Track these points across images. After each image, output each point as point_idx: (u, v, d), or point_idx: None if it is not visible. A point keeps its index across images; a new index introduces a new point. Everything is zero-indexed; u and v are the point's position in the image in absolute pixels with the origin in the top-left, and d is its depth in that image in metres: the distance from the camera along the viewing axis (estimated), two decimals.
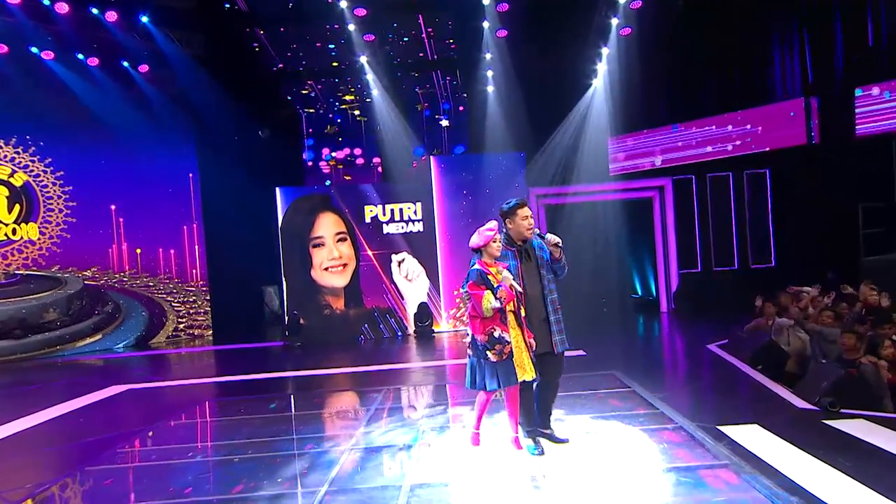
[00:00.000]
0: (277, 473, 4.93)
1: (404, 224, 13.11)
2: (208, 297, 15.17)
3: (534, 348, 4.72)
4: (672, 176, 13.94)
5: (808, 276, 10.43)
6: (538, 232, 4.93)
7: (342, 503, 4.24)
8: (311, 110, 15.87)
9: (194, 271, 15.18)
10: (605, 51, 13.82)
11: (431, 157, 13.46)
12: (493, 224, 4.80)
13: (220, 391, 9.16)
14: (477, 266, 4.70)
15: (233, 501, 4.46)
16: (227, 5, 13.52)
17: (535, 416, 5.00)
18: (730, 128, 13.46)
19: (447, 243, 13.12)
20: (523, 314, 4.69)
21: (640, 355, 9.21)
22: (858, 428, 5.21)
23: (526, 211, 4.85)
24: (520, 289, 4.66)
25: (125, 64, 14.34)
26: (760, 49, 13.52)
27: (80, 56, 13.90)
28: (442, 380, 9.00)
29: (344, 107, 15.56)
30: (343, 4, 12.48)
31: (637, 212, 14.31)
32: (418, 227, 13.15)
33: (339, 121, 16.24)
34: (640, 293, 15.45)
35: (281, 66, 15.12)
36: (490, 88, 14.79)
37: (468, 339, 4.82)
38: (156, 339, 14.72)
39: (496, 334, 4.63)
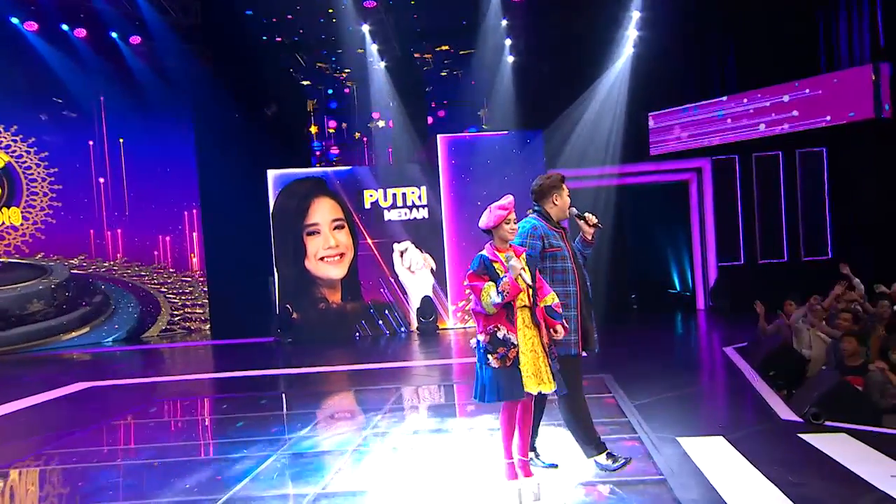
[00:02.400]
0: (191, 479, 5.19)
1: (407, 210, 13.32)
2: (206, 289, 15.70)
3: (555, 355, 4.31)
4: (711, 156, 13.72)
5: (871, 270, 10.22)
6: (577, 212, 4.74)
7: None
8: (308, 82, 16.11)
9: (191, 260, 15.75)
10: (635, 14, 13.67)
11: (438, 137, 13.58)
12: (507, 200, 4.34)
13: (184, 390, 9.51)
14: (485, 251, 4.29)
15: None
16: None
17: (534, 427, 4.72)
18: (786, 98, 13.15)
19: (455, 232, 13.26)
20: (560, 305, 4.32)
21: (643, 358, 9.18)
22: (835, 444, 5.15)
23: (566, 188, 4.69)
24: (529, 281, 4.17)
25: (114, 35, 14.91)
26: (820, 8, 13.17)
27: (65, 27, 14.55)
28: (435, 381, 9.21)
29: (348, 83, 15.78)
30: None
31: (672, 197, 14.15)
32: (423, 213, 13.34)
33: (330, 93, 16.46)
34: (678, 288, 15.30)
35: (279, 39, 15.40)
36: (510, 59, 14.85)
37: (474, 340, 4.35)
38: (148, 332, 15.35)
39: (500, 335, 4.17)
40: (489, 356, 4.15)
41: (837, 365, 6.46)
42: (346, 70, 15.68)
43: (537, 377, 4.17)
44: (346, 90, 16.43)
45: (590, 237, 4.73)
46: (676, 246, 15.00)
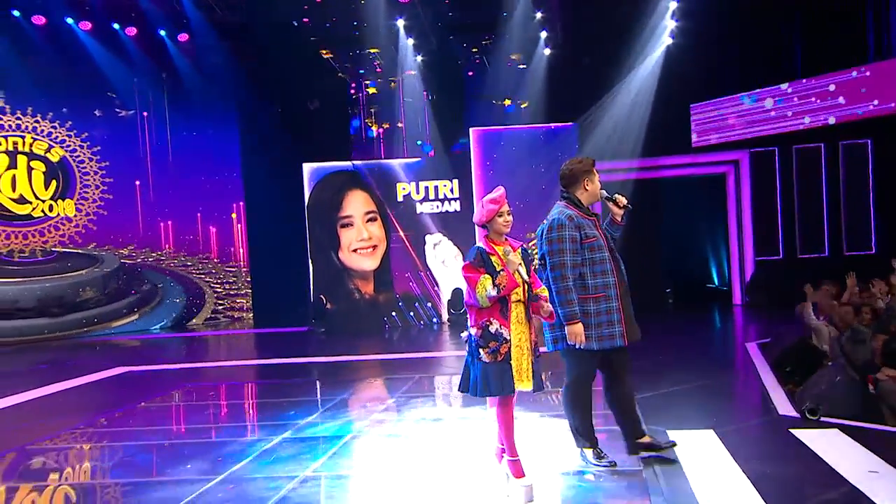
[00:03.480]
0: (194, 460, 5.47)
1: (439, 203, 13.47)
2: (249, 279, 16.22)
3: (539, 354, 4.33)
4: (750, 148, 13.48)
5: None
6: (606, 195, 4.67)
7: (221, 492, 4.69)
8: (344, 76, 16.33)
9: (235, 251, 16.27)
10: (671, 4, 13.51)
11: (471, 130, 13.68)
12: (498, 192, 4.31)
13: (214, 376, 9.89)
14: (481, 243, 4.28)
15: (126, 485, 5.06)
16: None
17: (624, 425, 4.80)
18: (832, 87, 12.86)
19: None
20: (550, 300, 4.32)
21: (661, 352, 9.15)
22: (823, 439, 5.11)
23: (597, 173, 4.65)
24: (526, 277, 4.20)
25: (162, 33, 15.46)
26: None
27: (117, 26, 15.16)
28: (453, 371, 9.33)
29: (392, 80, 15.96)
30: None
31: (709, 190, 13.97)
32: (455, 206, 13.48)
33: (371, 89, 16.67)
34: (716, 283, 15.09)
35: (315, 38, 15.66)
36: (547, 51, 14.85)
37: (465, 333, 4.35)
38: (193, 320, 15.93)
39: (492, 329, 4.12)
40: (481, 350, 4.12)
41: (864, 364, 6.34)
42: (375, 62, 15.77)
43: (518, 374, 4.15)
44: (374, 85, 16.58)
45: (619, 219, 4.66)
46: (714, 240, 14.82)
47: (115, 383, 9.38)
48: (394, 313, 13.46)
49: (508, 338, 4.10)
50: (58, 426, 6.85)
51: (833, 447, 4.94)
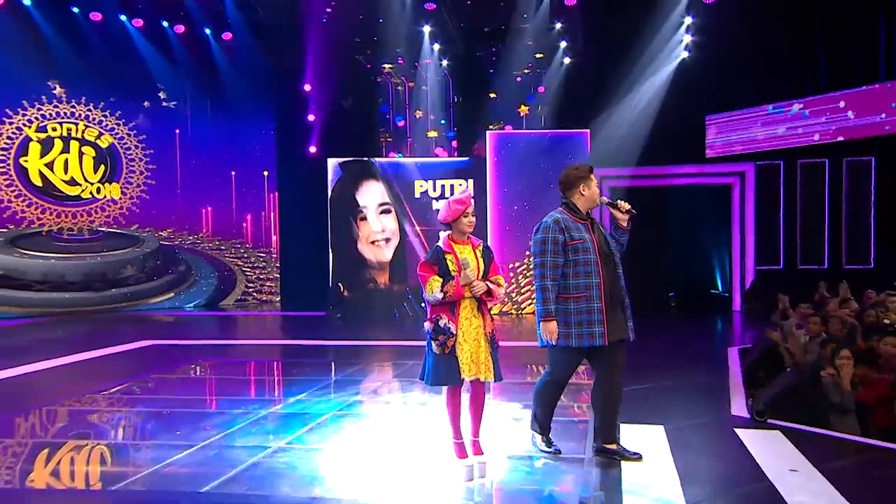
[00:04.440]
0: (185, 427, 5.78)
1: None
2: (278, 265, 16.65)
3: (497, 344, 4.45)
4: (756, 161, 13.42)
5: None
6: (608, 200, 4.71)
7: (200, 456, 4.98)
8: (375, 77, 16.54)
9: (268, 238, 16.72)
10: (687, 20, 13.49)
11: (487, 133, 13.83)
12: (465, 195, 4.49)
13: (231, 352, 10.27)
14: (440, 243, 4.41)
15: (117, 446, 5.41)
16: None
17: (599, 425, 4.75)
18: (841, 104, 12.76)
19: (498, 223, 13.53)
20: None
21: (646, 353, 9.22)
22: (760, 439, 5.21)
23: (594, 178, 4.64)
24: (479, 291, 4.27)
25: (207, 32, 15.93)
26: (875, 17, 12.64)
27: (166, 24, 15.67)
28: None
29: (395, 81, 16.14)
30: None
31: (715, 200, 13.93)
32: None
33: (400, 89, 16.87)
34: (720, 289, 15.03)
35: (357, 40, 15.90)
36: (567, 60, 14.93)
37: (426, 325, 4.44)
38: (225, 301, 16.41)
39: (441, 323, 4.28)
40: (432, 342, 4.28)
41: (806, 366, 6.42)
42: (392, 65, 15.96)
43: (476, 364, 4.30)
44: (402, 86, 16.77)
45: (624, 224, 4.61)
46: (718, 248, 14.76)
47: (140, 354, 9.82)
48: (405, 304, 13.70)
49: (454, 332, 4.25)
50: (74, 391, 7.26)
51: (767, 446, 5.04)
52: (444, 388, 4.48)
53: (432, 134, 16.01)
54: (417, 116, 15.92)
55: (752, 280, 13.47)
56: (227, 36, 16.10)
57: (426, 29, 14.68)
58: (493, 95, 15.37)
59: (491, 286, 4.40)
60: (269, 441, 5.29)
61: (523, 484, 4.46)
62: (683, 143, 13.85)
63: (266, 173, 16.56)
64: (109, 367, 8.93)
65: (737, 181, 13.71)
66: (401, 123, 16.18)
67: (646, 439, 5.19)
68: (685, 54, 14.10)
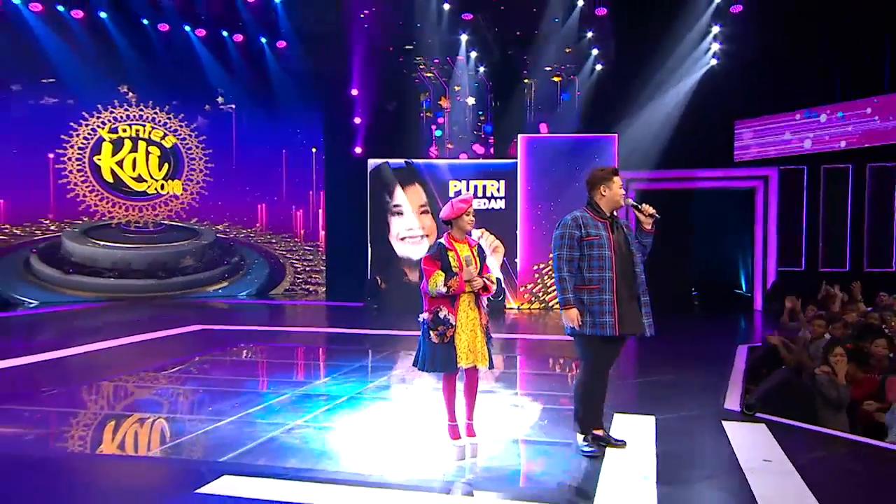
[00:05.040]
0: (214, 404, 6.11)
1: (486, 201, 13.80)
2: (325, 258, 17.03)
3: (490, 335, 4.61)
4: (779, 165, 13.21)
5: None
6: (632, 202, 4.69)
7: (225, 431, 5.28)
8: (418, 81, 16.70)
9: (316, 233, 17.12)
10: (714, 29, 13.35)
11: (520, 136, 13.92)
12: (468, 195, 4.97)
13: (271, 338, 10.58)
14: (443, 239, 4.54)
15: (152, 418, 5.74)
16: None
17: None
18: (868, 110, 12.52)
19: (528, 222, 13.63)
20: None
21: (658, 348, 9.22)
22: (744, 432, 5.24)
23: (619, 179, 4.66)
24: (477, 286, 4.47)
25: (263, 41, 16.39)
26: None
27: (225, 33, 16.18)
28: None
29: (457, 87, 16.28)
30: None
31: (739, 202, 13.76)
32: (501, 203, 13.79)
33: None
34: (744, 289, 14.82)
35: (394, 48, 16.12)
36: (598, 67, 14.91)
37: (420, 316, 4.60)
38: (274, 290, 16.87)
39: (441, 315, 4.42)
40: (431, 332, 4.42)
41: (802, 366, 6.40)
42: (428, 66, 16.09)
43: (473, 353, 4.47)
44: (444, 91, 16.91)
45: (648, 226, 4.64)
46: (743, 249, 14.57)
47: (190, 337, 10.26)
48: None
49: (454, 323, 4.40)
50: (127, 368, 7.70)
51: (748, 438, 5.09)
52: (441, 375, 4.65)
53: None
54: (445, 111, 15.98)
55: (773, 281, 13.27)
56: (282, 44, 16.52)
57: (463, 38, 14.80)
58: (527, 81, 15.26)
59: (487, 282, 4.57)
60: (288, 419, 5.56)
61: (511, 464, 4.62)
62: (710, 147, 13.71)
63: (313, 173, 16.91)
64: (162, 349, 9.39)
65: (761, 185, 13.51)
66: (441, 120, 16.26)
67: (635, 428, 5.30)
68: (713, 62, 13.92)
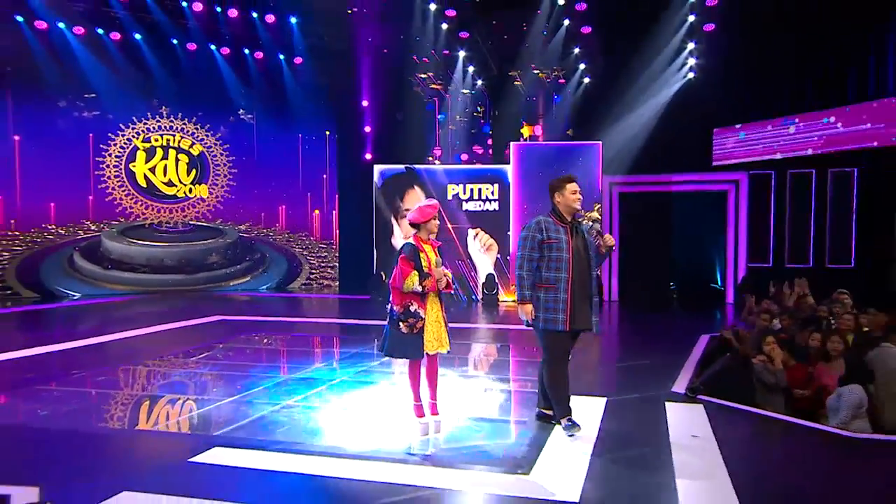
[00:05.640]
0: (221, 386, 6.39)
1: (481, 202, 14.01)
2: (338, 255, 17.32)
3: (446, 323, 4.76)
4: (749, 171, 13.30)
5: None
6: (598, 228, 4.79)
7: (226, 409, 5.56)
8: (421, 93, 16.88)
9: (330, 232, 17.40)
10: (689, 45, 13.45)
11: (512, 144, 14.11)
12: (433, 202, 4.89)
13: (281, 327, 10.84)
14: (411, 240, 4.74)
15: (162, 398, 6.04)
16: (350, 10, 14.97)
17: (543, 395, 4.98)
18: (834, 121, 12.54)
19: (519, 222, 13.81)
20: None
21: (626, 335, 9.42)
22: (681, 411, 5.42)
23: (574, 186, 4.71)
24: (451, 290, 4.74)
25: (281, 57, 16.67)
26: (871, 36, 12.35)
27: (247, 51, 16.49)
28: (468, 340, 9.82)
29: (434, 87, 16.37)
30: (432, 7, 13.57)
31: (713, 204, 13.86)
32: (494, 206, 13.99)
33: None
34: (719, 284, 14.91)
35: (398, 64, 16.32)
36: (586, 80, 15.04)
37: (388, 306, 4.76)
38: (292, 284, 17.19)
39: (412, 308, 4.59)
40: (401, 323, 4.61)
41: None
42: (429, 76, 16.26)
43: (438, 341, 4.71)
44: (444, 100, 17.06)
45: (602, 250, 4.76)
46: (716, 246, 14.66)
47: (210, 327, 10.56)
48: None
49: (423, 316, 4.64)
50: (150, 354, 8.02)
51: (684, 418, 5.27)
52: (407, 361, 4.88)
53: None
54: (457, 120, 16.16)
55: (743, 276, 13.36)
56: (298, 60, 16.79)
57: (461, 53, 15.00)
58: (517, 83, 15.36)
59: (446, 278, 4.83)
60: (281, 399, 5.83)
61: (469, 440, 4.83)
62: (686, 153, 13.80)
63: (326, 177, 17.20)
64: (183, 337, 9.70)
65: (732, 188, 13.60)
66: (450, 127, 16.45)
67: (587, 409, 5.47)
68: (691, 75, 14.02)
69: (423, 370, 4.90)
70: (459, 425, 5.09)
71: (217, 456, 4.31)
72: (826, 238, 12.68)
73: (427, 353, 4.73)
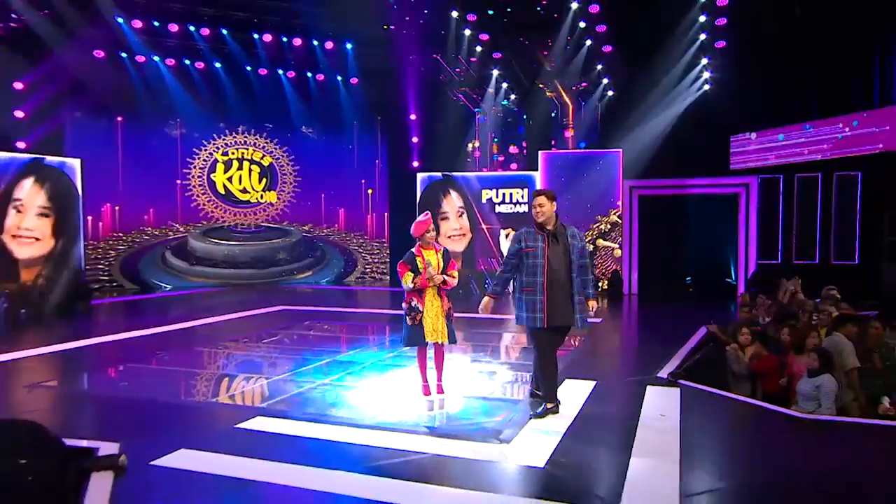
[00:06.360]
0: (267, 367, 6.96)
1: (512, 205, 14.29)
2: (389, 251, 17.88)
3: (451, 317, 5.14)
4: (759, 175, 13.13)
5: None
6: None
7: (269, 385, 6.10)
8: (463, 104, 17.20)
9: (381, 231, 17.98)
10: (703, 61, 13.36)
11: (540, 153, 14.32)
12: (426, 216, 5.23)
13: (335, 316, 11.42)
14: (413, 249, 5.17)
15: (217, 375, 6.63)
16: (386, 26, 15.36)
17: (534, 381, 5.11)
18: (844, 127, 12.29)
19: None
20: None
21: (633, 321, 9.51)
22: (658, 394, 5.55)
23: (539, 200, 4.77)
24: (437, 282, 5.09)
25: (338, 78, 17.31)
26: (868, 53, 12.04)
27: (309, 74, 17.18)
28: (490, 329, 10.09)
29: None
30: (467, 32, 13.89)
31: (725, 206, 13.74)
32: (524, 208, 14.25)
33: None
34: (733, 279, 14.74)
35: (443, 77, 16.72)
36: (610, 93, 15.09)
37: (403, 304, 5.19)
38: (348, 278, 17.85)
39: (413, 304, 5.08)
40: (407, 317, 5.11)
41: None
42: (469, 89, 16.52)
43: (436, 332, 5.13)
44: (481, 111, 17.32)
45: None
46: (729, 245, 14.52)
47: (274, 315, 11.22)
48: (471, 284, 14.47)
49: (422, 310, 5.11)
50: (218, 338, 8.70)
51: (659, 399, 5.44)
52: (416, 348, 5.33)
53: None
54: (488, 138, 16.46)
55: (753, 271, 13.21)
56: (354, 81, 17.38)
57: (494, 72, 15.27)
58: (549, 93, 15.50)
59: (446, 278, 5.21)
60: (317, 379, 6.34)
61: (469, 416, 5.22)
62: (701, 159, 13.71)
63: (377, 183, 17.77)
64: (250, 324, 10.36)
65: (743, 191, 13.45)
66: (490, 135, 16.74)
67: (575, 390, 5.75)
68: (707, 87, 13.92)
69: (432, 356, 5.33)
70: (463, 403, 5.47)
71: (259, 423, 4.82)
72: (831, 236, 12.42)
73: (427, 342, 5.14)
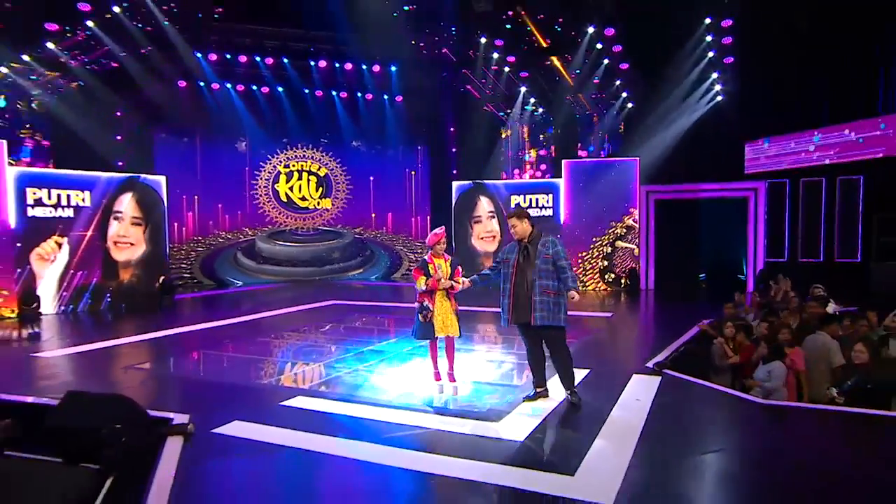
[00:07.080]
0: (313, 354, 7.60)
1: (539, 210, 14.60)
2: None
3: (457, 314, 5.54)
4: (767, 179, 13.04)
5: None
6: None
7: (312, 370, 6.74)
8: (496, 119, 17.59)
9: (425, 232, 18.56)
10: (713, 75, 13.33)
11: (563, 161, 14.57)
12: (440, 230, 5.66)
13: (379, 310, 11.98)
14: (426, 256, 5.59)
15: (265, 360, 7.32)
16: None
17: (533, 373, 5.31)
18: (846, 130, 12.13)
19: (569, 226, 14.30)
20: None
21: (640, 316, 9.63)
22: (640, 382, 5.81)
23: (511, 221, 5.02)
24: (446, 286, 5.49)
25: (385, 97, 17.97)
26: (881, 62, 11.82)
27: (359, 94, 17.91)
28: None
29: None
30: (495, 56, 14.26)
31: (736, 208, 13.69)
32: (549, 212, 14.54)
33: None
34: (745, 275, 14.63)
35: (475, 93, 17.16)
36: (629, 106, 15.19)
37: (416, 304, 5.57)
38: (394, 275, 18.52)
39: (424, 303, 5.48)
40: (419, 315, 5.54)
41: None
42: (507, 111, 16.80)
43: (445, 327, 5.57)
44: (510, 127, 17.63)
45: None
46: (739, 244, 14.42)
47: (326, 309, 11.89)
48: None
49: (432, 309, 5.57)
50: (276, 329, 9.43)
51: (640, 386, 5.70)
52: (427, 342, 5.85)
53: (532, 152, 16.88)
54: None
55: (761, 269, 13.14)
56: (399, 98, 18.01)
57: (522, 89, 15.58)
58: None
59: (453, 283, 5.71)
60: (353, 365, 6.93)
61: (473, 400, 5.65)
62: (713, 165, 13.71)
63: (419, 190, 18.38)
64: (304, 316, 11.04)
65: (752, 195, 13.37)
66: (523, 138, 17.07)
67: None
68: (719, 98, 13.88)
69: (444, 347, 5.85)
70: (472, 388, 5.94)
71: (299, 402, 5.44)
72: (835, 236, 12.25)
73: (438, 336, 5.62)
